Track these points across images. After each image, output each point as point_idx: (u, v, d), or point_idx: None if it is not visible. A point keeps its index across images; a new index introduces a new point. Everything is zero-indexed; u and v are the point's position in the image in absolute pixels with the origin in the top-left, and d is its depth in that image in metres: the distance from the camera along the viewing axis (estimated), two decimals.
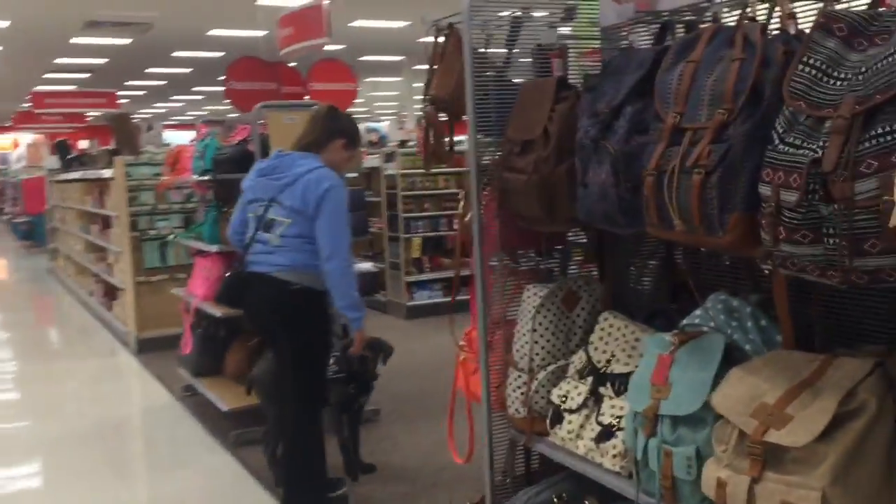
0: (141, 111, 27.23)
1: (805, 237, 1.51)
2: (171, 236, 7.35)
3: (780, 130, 1.57)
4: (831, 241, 1.47)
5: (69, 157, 11.36)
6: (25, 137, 27.13)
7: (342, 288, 3.42)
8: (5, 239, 22.07)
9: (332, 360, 4.12)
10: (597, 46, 2.85)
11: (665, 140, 1.82)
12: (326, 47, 9.54)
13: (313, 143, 3.54)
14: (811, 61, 1.55)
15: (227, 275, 3.68)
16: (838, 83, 1.51)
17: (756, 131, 1.65)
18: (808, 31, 1.67)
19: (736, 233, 1.70)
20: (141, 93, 22.94)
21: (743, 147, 1.66)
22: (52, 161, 12.84)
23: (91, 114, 21.26)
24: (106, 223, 8.40)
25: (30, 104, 19.41)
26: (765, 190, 1.58)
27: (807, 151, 1.49)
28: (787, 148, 1.54)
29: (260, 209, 3.50)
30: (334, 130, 3.57)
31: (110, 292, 8.49)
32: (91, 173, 8.93)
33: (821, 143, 1.47)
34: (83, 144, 18.86)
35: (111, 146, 8.44)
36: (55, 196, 12.55)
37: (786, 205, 1.52)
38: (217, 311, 4.84)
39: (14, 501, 4.13)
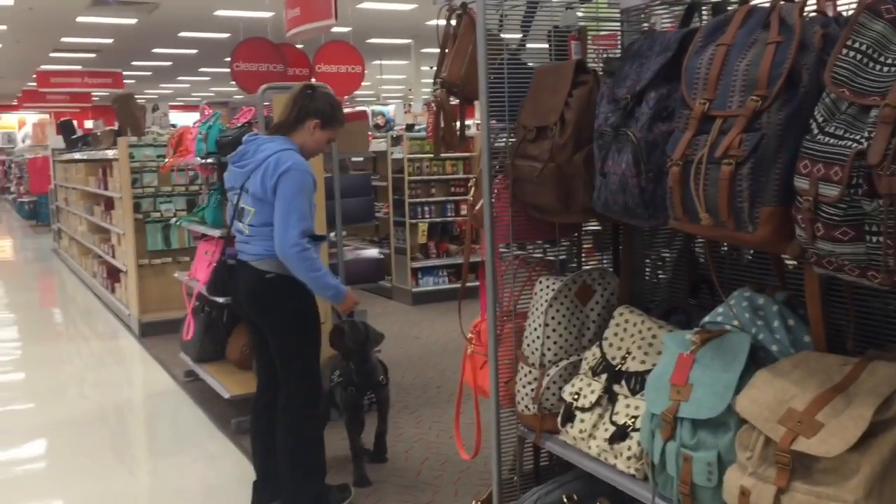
0: (147, 91, 27.12)
1: (845, 234, 1.41)
2: (174, 220, 7.26)
3: (820, 119, 1.47)
4: (874, 239, 1.37)
5: (74, 136, 11.27)
6: (31, 117, 27.07)
7: (301, 273, 3.26)
8: (11, 218, 22.05)
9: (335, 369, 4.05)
10: (615, 29, 2.74)
11: (692, 128, 1.71)
12: (334, 29, 9.40)
13: (284, 124, 3.40)
14: (856, 45, 1.44)
15: (215, 265, 3.61)
16: (886, 69, 1.40)
17: (793, 120, 1.54)
18: (848, 13, 1.57)
19: (767, 228, 1.59)
20: (147, 73, 22.83)
21: (778, 137, 1.55)
22: (57, 141, 12.76)
23: (97, 94, 21.16)
24: (109, 204, 8.32)
25: (35, 83, 19.31)
26: (801, 183, 1.47)
27: (850, 142, 1.39)
28: (827, 138, 1.43)
29: (235, 198, 3.42)
30: (307, 110, 3.39)
31: (113, 274, 8.42)
32: (95, 154, 8.85)
33: (865, 134, 1.36)
34: (88, 125, 18.78)
35: (115, 126, 8.33)
36: (59, 176, 12.48)
37: (825, 199, 1.42)
38: (220, 297, 4.76)
39: (16, 484, 4.07)
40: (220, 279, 3.58)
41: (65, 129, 11.85)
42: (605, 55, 2.58)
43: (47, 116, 23.96)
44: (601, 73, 2.23)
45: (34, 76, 19.32)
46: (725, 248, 2.42)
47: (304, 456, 3.45)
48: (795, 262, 2.10)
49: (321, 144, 3.46)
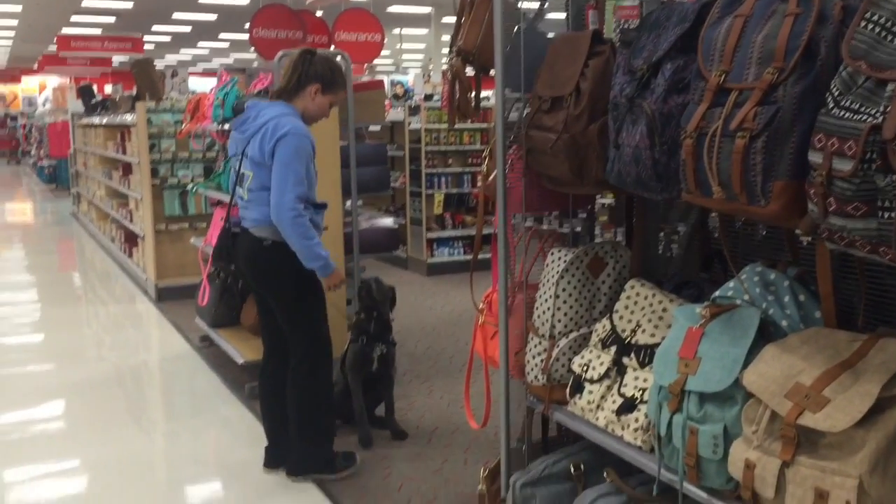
0: (167, 57, 27.11)
1: (857, 210, 1.40)
2: (191, 186, 7.28)
3: (836, 93, 1.45)
4: (886, 214, 1.36)
5: (93, 101, 11.30)
6: (52, 81, 27.15)
7: (293, 240, 3.25)
8: (31, 182, 22.23)
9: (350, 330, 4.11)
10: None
11: (707, 100, 1.70)
12: None
13: (285, 90, 3.38)
14: (875, 18, 1.42)
15: (220, 233, 3.59)
16: None
17: (809, 93, 1.53)
18: None
19: (779, 202, 1.59)
20: (166, 39, 22.79)
21: (793, 110, 1.54)
22: (77, 105, 12.80)
23: (117, 59, 21.17)
24: (127, 169, 8.36)
25: (56, 47, 19.34)
26: (815, 157, 1.46)
27: (865, 117, 1.37)
28: (843, 112, 1.42)
29: (237, 164, 3.41)
30: (307, 75, 3.37)
31: (131, 239, 8.49)
32: (114, 118, 8.88)
33: (882, 108, 1.35)
34: (108, 89, 18.81)
35: (134, 92, 8.34)
36: (79, 140, 12.55)
37: (838, 174, 1.41)
38: (224, 264, 4.79)
39: (34, 443, 4.14)
40: (223, 246, 3.55)
41: (84, 93, 11.88)
42: (625, 26, 2.55)
43: (67, 81, 24.01)
44: (618, 43, 2.21)
45: (55, 40, 19.34)
46: (739, 224, 2.41)
47: (313, 419, 3.49)
48: (808, 238, 2.09)
49: (323, 109, 3.44)
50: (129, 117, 7.92)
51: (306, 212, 3.26)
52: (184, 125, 5.91)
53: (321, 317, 3.51)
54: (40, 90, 31.51)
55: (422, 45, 23.92)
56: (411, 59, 28.24)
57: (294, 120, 3.28)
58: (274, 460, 3.66)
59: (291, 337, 3.46)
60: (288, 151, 3.21)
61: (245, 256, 3.43)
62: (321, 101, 3.41)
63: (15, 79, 32.74)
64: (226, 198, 4.96)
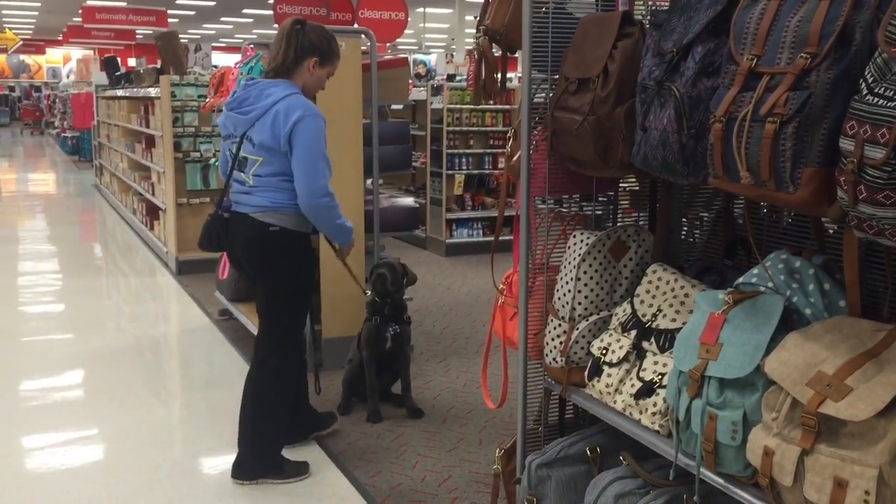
0: (190, 31, 27.14)
1: (888, 198, 1.38)
2: (213, 160, 7.32)
3: (870, 80, 1.43)
4: None
5: (117, 73, 11.35)
6: (76, 52, 27.27)
7: (327, 224, 3.24)
8: (54, 153, 22.40)
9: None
10: None
11: (738, 84, 1.68)
12: None
13: (282, 66, 3.22)
14: None
15: (208, 218, 3.39)
16: None
17: (842, 79, 1.51)
18: None
19: (808, 189, 1.57)
20: (191, 13, 22.81)
21: (826, 96, 1.52)
22: (101, 77, 12.87)
23: (140, 31, 21.23)
24: (150, 142, 8.40)
25: (81, 19, 19.41)
26: (847, 144, 1.44)
27: None
28: (876, 99, 1.40)
29: (233, 146, 3.25)
30: (303, 48, 3.21)
31: (152, 212, 8.55)
32: (137, 91, 8.92)
33: None
34: (132, 62, 18.88)
35: (158, 65, 8.37)
36: (102, 112, 12.61)
37: (870, 162, 1.39)
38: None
39: (54, 410, 4.20)
40: (214, 233, 3.34)
41: (109, 65, 11.94)
42: (656, 7, 2.53)
43: (92, 53, 24.12)
44: (648, 25, 2.19)
45: (80, 11, 19.41)
46: (765, 210, 2.39)
47: (270, 421, 3.36)
48: (835, 226, 2.08)
49: (321, 81, 3.34)
50: (152, 90, 7.95)
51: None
52: (207, 99, 5.92)
53: (303, 318, 3.45)
54: (64, 62, 31.68)
55: (445, 25, 23.81)
56: (434, 38, 28.11)
57: (303, 100, 3.17)
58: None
59: (267, 327, 3.35)
60: (310, 134, 3.11)
61: (247, 242, 3.26)
62: (319, 73, 3.29)
63: (40, 50, 32.95)
64: None
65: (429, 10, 20.53)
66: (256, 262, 3.29)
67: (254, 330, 4.92)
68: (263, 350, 3.36)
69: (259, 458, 3.39)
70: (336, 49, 3.35)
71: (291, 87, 3.20)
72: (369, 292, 4.22)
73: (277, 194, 3.18)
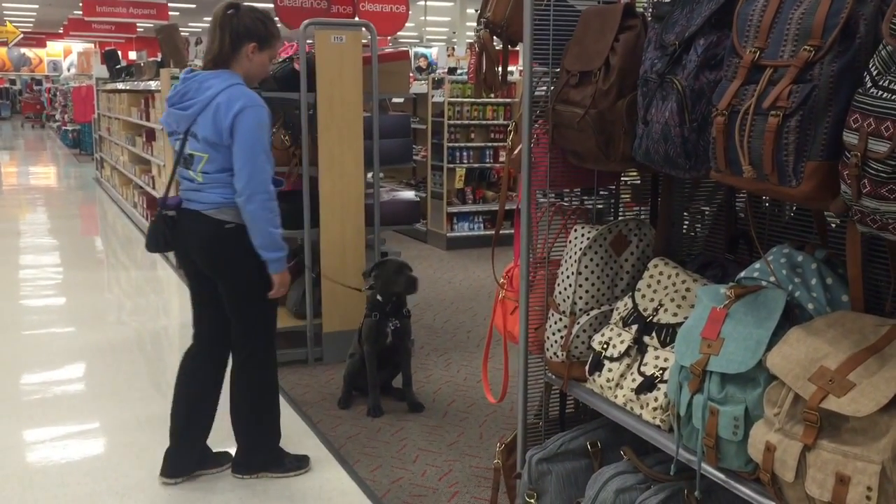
0: (191, 25, 27.09)
1: (892, 192, 1.37)
2: None
3: (874, 73, 1.42)
4: None
5: (118, 66, 11.33)
6: (77, 46, 27.24)
7: (260, 225, 3.00)
8: (55, 146, 22.38)
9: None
10: None
11: (741, 77, 1.67)
12: None
13: (220, 56, 3.05)
14: None
15: (153, 218, 3.22)
16: None
17: (846, 72, 1.50)
18: None
19: (811, 183, 1.56)
20: (191, 6, 22.76)
21: (829, 89, 1.51)
22: (101, 70, 12.85)
23: (141, 24, 21.19)
24: (150, 136, 8.39)
25: (81, 11, 19.38)
26: (850, 138, 1.43)
27: None
28: (881, 92, 1.39)
29: (177, 143, 3.10)
30: (238, 34, 3.03)
31: (153, 205, 8.54)
32: (138, 84, 8.89)
33: None
34: (132, 55, 18.84)
35: (158, 58, 8.35)
36: (103, 105, 12.60)
37: (873, 155, 1.38)
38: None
39: (55, 403, 4.20)
40: (160, 233, 3.16)
41: (109, 58, 11.91)
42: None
43: (92, 46, 24.08)
44: (649, 17, 2.18)
45: (80, 4, 19.37)
46: (767, 204, 2.38)
47: (265, 417, 3.32)
48: (838, 220, 2.06)
49: (264, 67, 3.16)
50: (153, 84, 7.93)
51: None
52: None
53: (274, 311, 3.31)
54: (65, 55, 31.64)
55: (446, 18, 23.75)
56: (435, 31, 28.06)
57: (244, 89, 3.01)
58: (178, 466, 3.35)
59: (240, 328, 3.22)
60: (250, 127, 2.95)
61: (201, 241, 3.10)
62: (260, 58, 3.11)
63: (40, 43, 32.91)
64: None
65: (430, 2, 20.47)
66: (214, 262, 3.13)
67: None
68: (243, 353, 3.25)
69: (258, 453, 3.36)
70: (274, 30, 3.15)
71: (232, 77, 3.04)
72: (368, 288, 4.21)
73: (229, 190, 3.03)
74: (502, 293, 2.92)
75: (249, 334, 3.23)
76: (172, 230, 3.15)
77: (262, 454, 3.38)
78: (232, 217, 3.06)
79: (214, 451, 3.46)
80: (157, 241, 3.19)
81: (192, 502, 3.22)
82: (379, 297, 4.08)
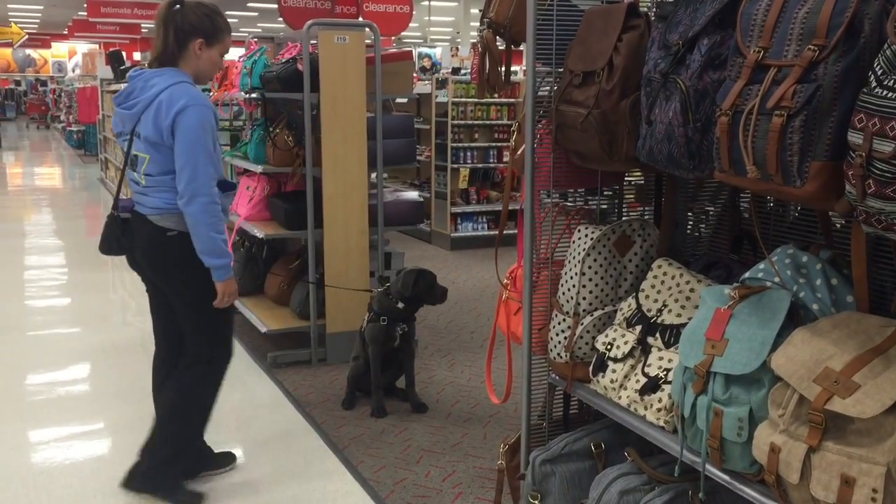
0: None
1: None
2: None
3: (879, 72, 1.41)
4: None
5: (122, 67, 11.33)
6: (81, 46, 27.29)
7: (201, 230, 2.86)
8: (59, 147, 22.42)
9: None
10: None
11: (745, 77, 1.66)
12: None
13: (166, 54, 2.93)
14: None
15: (106, 220, 3.12)
16: None
17: (850, 72, 1.49)
18: None
19: (816, 183, 1.55)
20: None
21: (834, 88, 1.50)
22: (106, 71, 12.86)
23: (146, 25, 21.23)
24: None
25: (86, 12, 19.42)
26: (855, 138, 1.42)
27: None
28: (885, 92, 1.38)
29: (125, 144, 2.98)
30: (184, 30, 2.92)
31: None
32: None
33: None
34: (137, 56, 18.87)
35: None
36: (108, 106, 12.62)
37: (878, 155, 1.37)
38: (259, 232, 4.82)
39: (59, 405, 4.21)
40: (112, 236, 3.07)
41: (114, 59, 11.91)
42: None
43: (97, 47, 24.12)
44: (653, 17, 2.17)
45: (85, 5, 19.41)
46: (771, 204, 2.37)
47: (184, 432, 3.14)
48: (842, 221, 2.06)
49: (215, 63, 3.03)
50: None
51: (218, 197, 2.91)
52: (212, 93, 5.91)
53: (229, 317, 3.14)
54: (70, 56, 31.71)
55: (450, 18, 23.75)
56: (439, 32, 28.06)
57: (189, 88, 2.89)
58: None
59: (191, 338, 3.10)
60: (191, 126, 2.82)
61: (144, 248, 3.00)
62: (209, 55, 2.99)
63: (45, 44, 32.99)
64: (253, 167, 4.98)
65: (433, 3, 20.47)
66: (157, 269, 3.04)
67: (259, 324, 4.92)
68: (189, 358, 3.11)
69: (164, 474, 3.14)
70: (222, 24, 3.02)
71: (178, 75, 2.92)
72: (375, 290, 4.20)
73: (172, 195, 2.91)
74: (506, 294, 2.91)
75: (200, 343, 3.10)
76: (125, 233, 3.06)
77: (160, 476, 3.15)
78: (174, 224, 2.94)
79: (216, 451, 3.45)
80: (109, 244, 3.11)
81: None
82: (400, 305, 4.05)
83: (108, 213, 3.12)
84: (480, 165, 8.51)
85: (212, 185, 2.88)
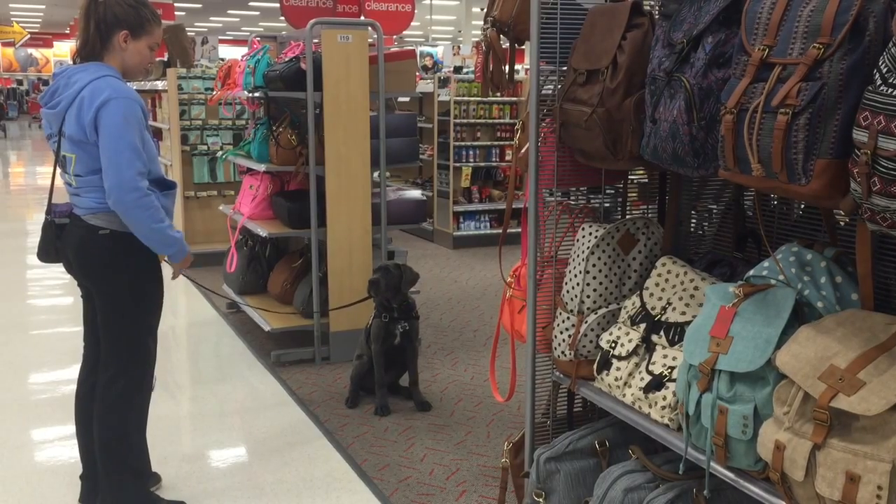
0: (197, 24, 27.14)
1: None
2: (220, 153, 7.32)
3: (884, 70, 1.41)
4: None
5: None
6: None
7: (139, 225, 2.73)
8: None
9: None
10: None
11: (749, 75, 1.66)
12: None
13: (88, 48, 2.79)
14: None
15: (43, 224, 2.99)
16: None
17: (855, 70, 1.49)
18: None
19: (821, 181, 1.55)
20: (197, 6, 22.81)
21: (838, 87, 1.50)
22: None
23: None
24: (157, 135, 8.40)
25: None
26: (860, 136, 1.43)
27: None
28: (890, 90, 1.38)
29: (55, 145, 2.84)
30: (106, 23, 2.76)
31: None
32: (144, 84, 8.91)
33: None
34: None
35: (165, 58, 8.37)
36: None
37: (883, 153, 1.38)
38: (263, 231, 4.82)
39: (62, 404, 4.21)
40: (49, 242, 2.94)
41: None
42: None
43: None
44: (657, 15, 2.17)
45: None
46: (775, 202, 2.37)
47: (122, 447, 2.94)
48: (847, 219, 2.06)
49: (143, 56, 2.86)
50: (159, 83, 7.95)
51: (151, 191, 2.75)
52: (215, 92, 5.92)
53: (151, 328, 2.99)
54: (72, 55, 31.65)
55: (452, 17, 23.74)
56: (441, 30, 28.05)
57: (113, 81, 2.72)
58: (91, 494, 3.11)
59: (111, 346, 2.91)
60: (115, 120, 2.66)
61: (76, 247, 2.86)
62: (136, 47, 2.82)
63: (47, 43, 33.01)
64: (255, 165, 4.99)
65: (436, 1, 20.47)
66: (87, 270, 2.88)
67: (262, 323, 4.93)
68: (107, 372, 2.93)
69: (122, 494, 2.95)
70: (149, 14, 2.86)
71: (102, 69, 2.77)
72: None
73: (102, 193, 2.75)
74: (510, 292, 2.92)
75: (120, 353, 2.92)
76: (59, 237, 2.94)
77: (124, 496, 2.95)
78: (106, 223, 2.80)
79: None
80: (46, 250, 2.99)
81: (198, 500, 3.22)
82: (385, 302, 4.09)
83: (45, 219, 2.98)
84: (483, 164, 8.51)
85: (139, 180, 2.70)
